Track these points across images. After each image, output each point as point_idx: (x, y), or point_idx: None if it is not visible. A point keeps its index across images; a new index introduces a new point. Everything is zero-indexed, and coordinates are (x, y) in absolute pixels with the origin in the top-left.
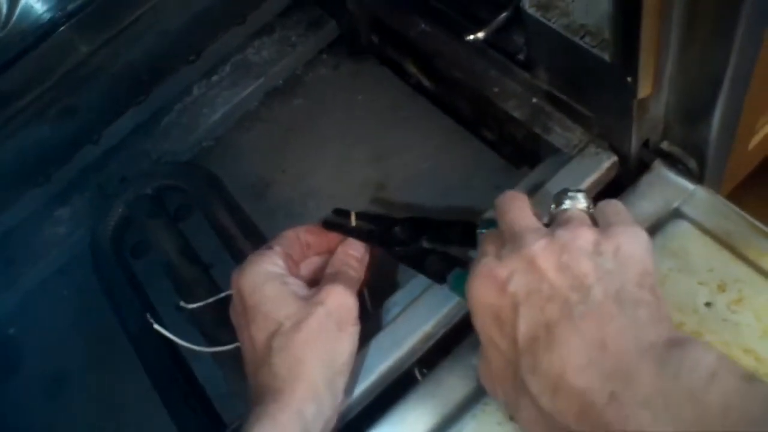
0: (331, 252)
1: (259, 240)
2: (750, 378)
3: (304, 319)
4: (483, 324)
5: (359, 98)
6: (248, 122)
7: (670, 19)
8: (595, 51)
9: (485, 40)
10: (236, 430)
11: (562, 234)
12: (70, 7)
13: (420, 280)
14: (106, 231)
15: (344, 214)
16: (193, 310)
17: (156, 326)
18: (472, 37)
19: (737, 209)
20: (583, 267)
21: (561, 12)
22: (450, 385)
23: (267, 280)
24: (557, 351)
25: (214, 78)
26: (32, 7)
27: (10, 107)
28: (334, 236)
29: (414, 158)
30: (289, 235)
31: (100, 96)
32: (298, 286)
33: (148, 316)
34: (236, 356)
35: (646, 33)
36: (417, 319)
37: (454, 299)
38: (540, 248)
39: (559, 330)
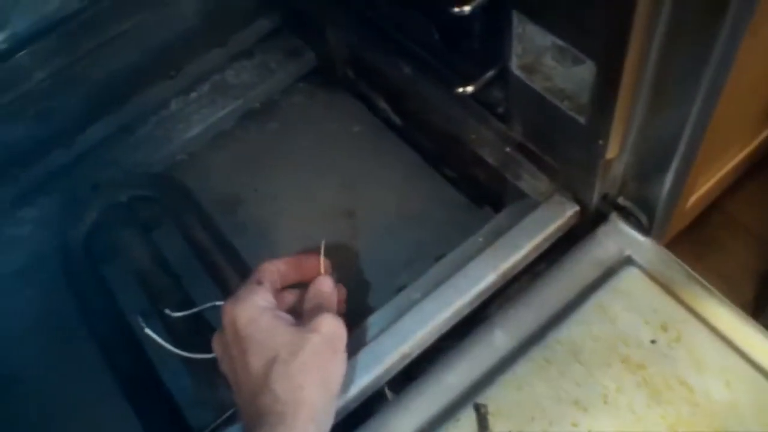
0: (303, 282)
1: (232, 253)
2: None
3: (301, 347)
4: None
5: (331, 127)
6: (222, 141)
7: (640, 94)
8: (572, 113)
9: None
10: None
11: None
12: (60, 15)
13: (398, 302)
14: (79, 236)
15: None
16: (166, 318)
17: (147, 330)
18: (461, 90)
19: (678, 260)
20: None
21: (544, 76)
22: (420, 403)
23: (262, 312)
24: None
25: (193, 95)
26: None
27: None
28: (309, 268)
29: (381, 189)
30: (270, 268)
31: (78, 102)
32: (288, 319)
33: (140, 319)
34: (207, 366)
35: (621, 105)
36: (395, 338)
37: (428, 323)
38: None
39: None
